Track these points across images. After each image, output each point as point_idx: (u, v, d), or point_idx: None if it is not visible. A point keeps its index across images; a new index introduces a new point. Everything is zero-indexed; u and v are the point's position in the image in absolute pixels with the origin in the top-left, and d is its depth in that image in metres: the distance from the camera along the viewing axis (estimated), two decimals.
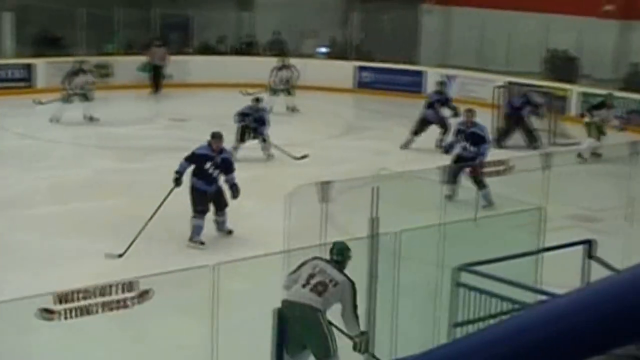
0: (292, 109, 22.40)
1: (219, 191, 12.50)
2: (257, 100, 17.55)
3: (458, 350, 1.58)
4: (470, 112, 15.01)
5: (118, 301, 6.69)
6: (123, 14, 25.45)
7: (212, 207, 12.47)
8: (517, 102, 19.59)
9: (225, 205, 12.54)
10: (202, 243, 12.00)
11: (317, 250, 8.35)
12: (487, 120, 20.22)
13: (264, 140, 17.17)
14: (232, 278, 7.53)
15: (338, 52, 27.24)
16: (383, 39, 26.38)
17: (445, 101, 19.09)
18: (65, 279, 9.21)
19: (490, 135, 15.58)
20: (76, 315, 6.52)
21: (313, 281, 7.83)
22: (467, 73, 24.76)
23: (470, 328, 7.40)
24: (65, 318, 6.50)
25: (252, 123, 17.10)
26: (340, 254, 8.09)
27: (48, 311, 6.43)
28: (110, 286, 6.66)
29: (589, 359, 1.33)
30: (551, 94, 20.42)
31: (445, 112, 18.87)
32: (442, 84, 20.35)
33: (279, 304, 7.77)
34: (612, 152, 14.48)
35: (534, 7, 23.97)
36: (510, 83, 22.78)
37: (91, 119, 20.37)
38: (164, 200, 12.08)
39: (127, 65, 24.87)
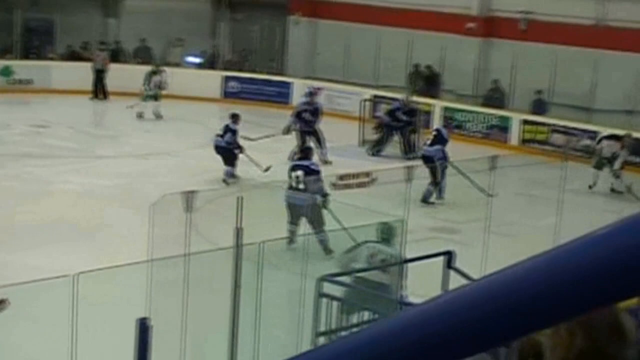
0: (157, 115, 22.26)
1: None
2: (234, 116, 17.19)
3: (315, 358, 1.59)
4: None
5: None
6: None
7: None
8: (397, 113, 20.03)
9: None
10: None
11: (182, 260, 8.28)
12: (354, 132, 20.58)
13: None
14: (94, 287, 7.38)
15: (207, 62, 27.11)
16: (252, 50, 26.39)
17: (314, 111, 19.26)
18: None
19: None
20: None
21: (375, 259, 9.07)
22: (334, 85, 25.01)
23: (333, 337, 7.47)
24: None
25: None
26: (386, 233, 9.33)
27: None
28: None
29: None
30: (417, 109, 20.85)
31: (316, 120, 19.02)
32: (311, 94, 20.46)
33: (142, 314, 7.65)
34: (472, 165, 14.87)
35: (399, 23, 24.44)
36: (376, 97, 23.21)
37: None
38: None
39: None
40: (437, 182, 15.85)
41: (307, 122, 18.85)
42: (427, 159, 16.10)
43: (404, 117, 20.00)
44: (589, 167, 17.69)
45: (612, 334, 2.13)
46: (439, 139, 16.50)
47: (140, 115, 21.90)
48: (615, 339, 2.13)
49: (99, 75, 24.59)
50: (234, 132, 16.58)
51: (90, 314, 7.30)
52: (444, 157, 16.07)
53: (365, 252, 9.13)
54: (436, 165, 15.90)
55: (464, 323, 1.28)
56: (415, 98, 21.71)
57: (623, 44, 21.00)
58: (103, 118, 20.71)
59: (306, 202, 12.44)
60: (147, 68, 23.19)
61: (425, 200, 15.67)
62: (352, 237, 9.96)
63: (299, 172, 12.96)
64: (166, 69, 23.53)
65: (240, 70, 26.51)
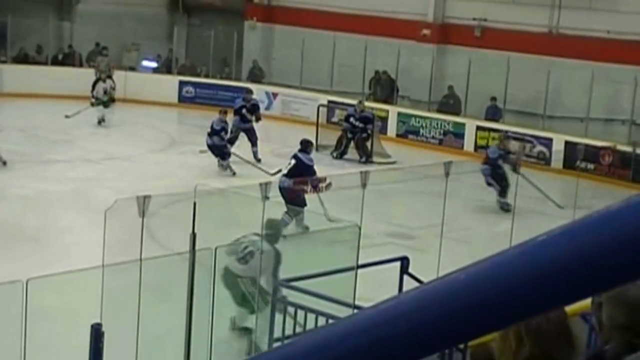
0: (100, 120, 21.95)
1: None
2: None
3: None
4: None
5: None
6: None
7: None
8: (350, 119, 20.12)
9: None
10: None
11: (136, 265, 8.21)
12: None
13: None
14: (45, 294, 7.29)
15: (162, 66, 26.99)
16: (207, 54, 26.29)
17: (252, 107, 19.62)
18: None
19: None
20: None
21: (245, 252, 9.35)
22: (290, 91, 25.02)
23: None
24: None
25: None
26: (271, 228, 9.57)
27: None
28: None
29: None
30: (372, 114, 20.94)
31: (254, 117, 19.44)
32: (249, 91, 20.71)
33: (96, 319, 7.58)
34: (427, 171, 14.95)
35: (355, 28, 24.52)
36: (331, 102, 23.26)
37: None
38: None
39: None
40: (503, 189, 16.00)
41: (245, 120, 19.20)
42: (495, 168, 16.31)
43: (358, 124, 20.09)
44: (541, 173, 17.86)
45: (559, 340, 2.16)
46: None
47: (100, 121, 21.79)
48: (563, 344, 2.15)
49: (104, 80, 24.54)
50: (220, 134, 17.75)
51: (42, 321, 7.21)
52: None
53: (241, 246, 9.44)
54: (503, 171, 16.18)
55: (413, 326, 1.29)
56: (372, 104, 21.84)
57: (575, 51, 21.28)
58: (55, 122, 20.46)
59: (286, 184, 13.77)
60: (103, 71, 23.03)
61: (504, 208, 15.85)
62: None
63: (292, 161, 14.34)
64: (117, 75, 23.44)
65: (195, 75, 26.43)
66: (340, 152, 20.12)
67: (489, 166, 16.35)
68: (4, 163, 16.68)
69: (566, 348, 2.18)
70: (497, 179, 16.20)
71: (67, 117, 21.16)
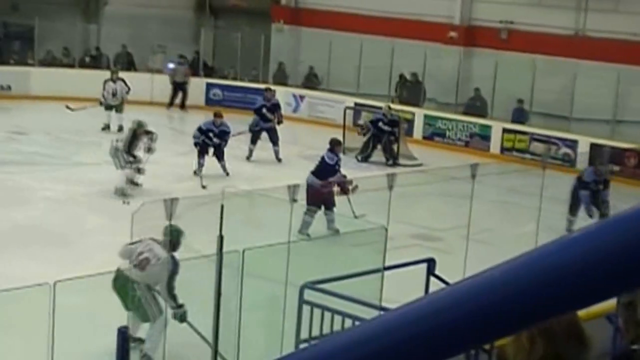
0: (119, 128, 20.66)
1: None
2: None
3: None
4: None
5: None
6: None
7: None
8: (379, 124, 20.10)
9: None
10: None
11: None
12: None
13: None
14: (72, 296, 7.34)
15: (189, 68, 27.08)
16: (234, 56, 26.35)
17: (272, 107, 19.67)
18: None
19: None
20: None
21: (140, 257, 8.88)
22: (316, 93, 25.05)
23: None
24: None
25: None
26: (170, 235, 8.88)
27: None
28: None
29: None
30: (399, 117, 20.92)
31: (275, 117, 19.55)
32: (269, 90, 20.78)
33: (122, 321, 7.63)
34: (453, 173, 14.91)
35: (382, 31, 24.50)
36: (357, 104, 23.24)
37: None
38: None
39: None
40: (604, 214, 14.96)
41: (266, 119, 19.30)
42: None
43: (386, 128, 20.09)
44: (566, 175, 17.75)
45: (571, 340, 2.17)
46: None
47: (105, 127, 21.06)
48: (575, 344, 2.16)
49: (180, 88, 24.89)
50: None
51: (68, 322, 7.25)
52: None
53: (135, 252, 9.02)
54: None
55: (438, 326, 1.29)
56: (398, 107, 21.84)
57: (601, 54, 21.16)
58: (82, 125, 20.54)
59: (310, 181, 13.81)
60: (127, 74, 23.03)
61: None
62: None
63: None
64: (143, 77, 23.37)
65: (223, 77, 26.52)
66: (365, 155, 20.08)
67: (588, 191, 15.05)
68: None
69: (578, 348, 2.19)
70: (596, 203, 15.06)
71: (68, 108, 20.95)
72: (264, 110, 19.42)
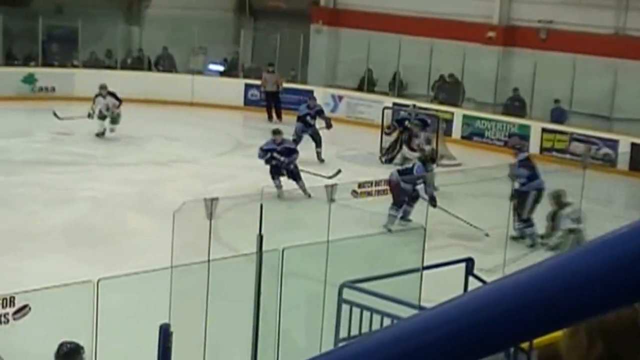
0: (110, 129, 20.57)
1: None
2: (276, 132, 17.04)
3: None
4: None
5: None
6: (7, 24, 24.87)
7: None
8: (405, 123, 20.07)
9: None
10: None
11: (203, 267, 8.35)
12: (375, 140, 20.60)
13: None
14: (115, 294, 7.46)
15: (228, 69, 27.25)
16: (273, 58, 26.45)
17: (316, 113, 20.13)
18: None
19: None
20: None
21: None
22: (355, 94, 25.11)
23: None
24: None
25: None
26: None
27: None
28: None
29: None
30: (437, 117, 20.89)
31: (320, 123, 20.01)
32: (313, 98, 21.38)
33: (164, 320, 7.73)
34: (492, 173, 14.88)
35: (420, 31, 24.48)
36: (395, 104, 23.23)
37: None
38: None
39: (9, 77, 24.26)
40: None
41: (308, 125, 19.82)
42: None
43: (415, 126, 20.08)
44: (607, 175, 17.65)
45: (632, 341, 2.13)
46: None
47: (99, 134, 20.57)
48: (636, 345, 2.12)
49: (271, 98, 24.57)
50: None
51: (111, 320, 7.37)
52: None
53: None
54: None
55: (479, 324, 1.32)
56: (436, 107, 21.81)
57: None
58: (125, 125, 20.72)
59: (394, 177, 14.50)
60: (169, 76, 23.21)
61: None
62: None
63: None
64: (184, 78, 23.43)
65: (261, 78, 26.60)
66: (390, 157, 19.94)
67: None
68: None
69: (639, 348, 2.14)
70: None
71: (55, 115, 20.62)
72: (308, 117, 19.99)
